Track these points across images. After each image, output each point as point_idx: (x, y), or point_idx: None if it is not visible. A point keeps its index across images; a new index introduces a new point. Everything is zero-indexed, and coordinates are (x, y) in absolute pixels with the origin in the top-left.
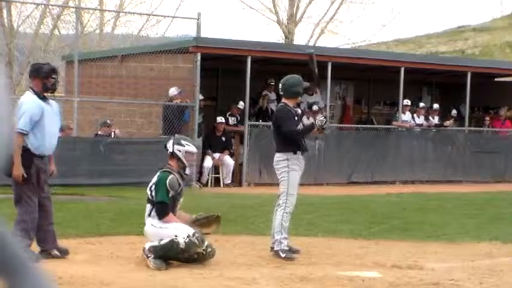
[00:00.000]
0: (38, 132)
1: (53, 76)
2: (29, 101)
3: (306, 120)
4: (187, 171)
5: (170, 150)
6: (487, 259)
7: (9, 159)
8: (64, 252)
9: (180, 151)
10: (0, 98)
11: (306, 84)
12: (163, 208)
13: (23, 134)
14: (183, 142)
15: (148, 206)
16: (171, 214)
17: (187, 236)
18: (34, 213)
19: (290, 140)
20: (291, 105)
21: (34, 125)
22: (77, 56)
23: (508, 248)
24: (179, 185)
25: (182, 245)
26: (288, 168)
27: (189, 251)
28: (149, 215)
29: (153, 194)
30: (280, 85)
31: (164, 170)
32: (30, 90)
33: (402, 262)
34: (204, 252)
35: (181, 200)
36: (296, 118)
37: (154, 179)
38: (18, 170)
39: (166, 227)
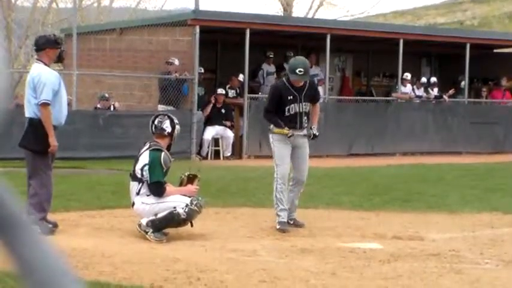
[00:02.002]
0: (56, 103)
1: (62, 45)
2: (46, 72)
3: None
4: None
5: (169, 130)
6: (487, 229)
7: (25, 131)
8: (53, 225)
9: (178, 131)
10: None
11: (297, 77)
12: (160, 187)
13: (48, 105)
14: (177, 121)
15: (135, 184)
16: (167, 188)
17: (186, 206)
18: (49, 186)
19: (280, 117)
20: (294, 83)
21: (54, 95)
22: (75, 29)
23: (509, 219)
24: (170, 160)
25: (183, 215)
26: (272, 140)
27: (190, 219)
28: (138, 193)
29: (145, 173)
30: None
31: (154, 148)
32: (40, 62)
33: (403, 233)
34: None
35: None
36: (289, 97)
37: (146, 159)
38: (54, 141)
39: (159, 201)
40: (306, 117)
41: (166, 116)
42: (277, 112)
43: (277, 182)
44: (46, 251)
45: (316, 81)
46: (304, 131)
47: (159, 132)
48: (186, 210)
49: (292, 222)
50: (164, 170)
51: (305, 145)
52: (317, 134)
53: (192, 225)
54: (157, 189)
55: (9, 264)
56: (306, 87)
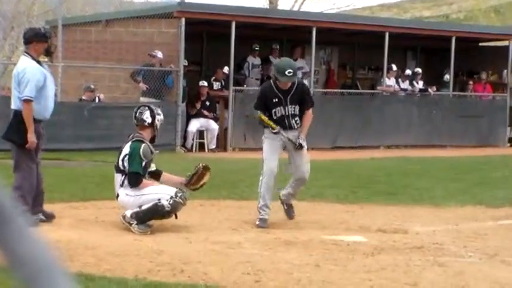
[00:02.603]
0: (40, 98)
1: (53, 39)
2: (31, 67)
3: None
4: (156, 140)
5: (149, 121)
6: (471, 223)
7: (9, 123)
8: (50, 217)
9: (158, 121)
10: None
11: (285, 79)
12: (137, 178)
13: (31, 101)
14: (159, 111)
15: (119, 176)
16: (144, 180)
17: (171, 198)
18: (32, 179)
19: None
20: (280, 85)
21: (38, 91)
22: (60, 20)
23: (492, 212)
24: (152, 152)
25: (168, 207)
26: (264, 136)
27: (175, 211)
28: (121, 185)
29: (125, 164)
30: None
31: (135, 139)
32: (27, 55)
33: (387, 226)
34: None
35: (152, 165)
36: (274, 100)
37: (127, 150)
38: (33, 137)
39: (143, 193)
40: (295, 120)
41: (146, 107)
42: (269, 115)
43: (262, 177)
44: (35, 243)
45: (305, 84)
46: (296, 132)
47: (140, 123)
48: (171, 202)
49: (286, 207)
50: (144, 162)
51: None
52: (303, 144)
53: (176, 217)
54: (134, 180)
55: None
56: (293, 89)
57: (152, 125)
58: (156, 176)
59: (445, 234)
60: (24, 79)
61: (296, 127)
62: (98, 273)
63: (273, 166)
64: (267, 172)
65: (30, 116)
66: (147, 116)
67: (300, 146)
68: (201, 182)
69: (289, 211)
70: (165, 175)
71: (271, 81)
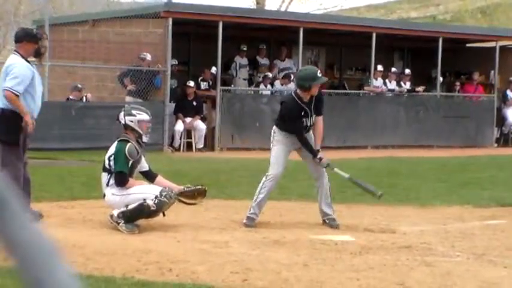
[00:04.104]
0: (28, 96)
1: (44, 41)
2: (20, 64)
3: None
4: (144, 139)
5: (122, 122)
6: (458, 223)
7: None
8: (37, 216)
9: (132, 121)
10: None
11: (323, 79)
12: (122, 177)
13: (13, 94)
14: (133, 112)
15: (105, 175)
16: (130, 180)
17: (156, 197)
18: (19, 178)
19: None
20: (302, 96)
21: (25, 88)
22: (47, 20)
23: (479, 212)
24: (138, 152)
25: (153, 207)
26: (273, 139)
27: (160, 210)
28: (107, 184)
29: (111, 163)
30: None
31: (121, 139)
32: (17, 54)
33: (374, 226)
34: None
35: (140, 165)
36: (302, 112)
37: (113, 150)
38: (28, 119)
39: (129, 192)
40: (310, 126)
41: (123, 108)
42: (293, 122)
43: (266, 179)
44: (32, 230)
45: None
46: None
47: (120, 124)
48: (156, 201)
49: (326, 220)
50: (131, 161)
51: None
52: (328, 163)
53: (164, 215)
54: (119, 179)
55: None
56: (314, 99)
57: (126, 125)
58: (150, 178)
59: (433, 234)
60: (12, 73)
61: (307, 129)
62: (85, 272)
63: (280, 171)
64: (272, 177)
65: (18, 101)
66: (121, 117)
67: (328, 165)
68: (192, 201)
69: (331, 222)
70: (160, 179)
71: (293, 94)
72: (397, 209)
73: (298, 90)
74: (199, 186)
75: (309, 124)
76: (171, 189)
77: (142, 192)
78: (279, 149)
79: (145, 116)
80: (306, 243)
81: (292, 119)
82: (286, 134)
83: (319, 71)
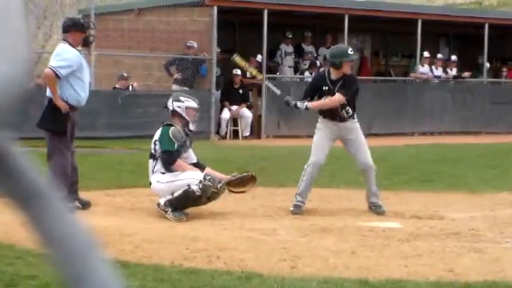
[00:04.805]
0: (76, 85)
1: (91, 30)
2: (70, 50)
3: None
4: (191, 126)
5: (170, 108)
6: (507, 209)
7: (44, 111)
8: (86, 205)
9: (180, 107)
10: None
11: (354, 56)
12: (170, 156)
13: (57, 76)
14: (182, 98)
15: (151, 162)
16: (178, 160)
17: (200, 182)
18: (66, 167)
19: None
20: (332, 73)
21: (72, 76)
22: (93, 9)
23: None
24: (182, 136)
25: (198, 192)
26: (317, 126)
27: (206, 194)
28: (153, 171)
29: (157, 148)
30: None
31: (165, 124)
32: (65, 43)
33: (422, 212)
34: (217, 190)
35: (187, 156)
36: (324, 88)
37: (157, 134)
38: (61, 102)
39: (173, 179)
40: (345, 109)
41: (172, 95)
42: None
43: (307, 166)
44: (71, 224)
45: (353, 76)
46: (347, 124)
47: (169, 111)
48: (200, 186)
49: (372, 207)
50: (176, 143)
51: (353, 132)
52: (292, 103)
53: (213, 199)
54: (166, 158)
55: (37, 241)
56: (344, 80)
57: (174, 111)
58: (199, 169)
59: (481, 220)
60: (61, 56)
61: (346, 116)
62: (134, 260)
63: (320, 158)
64: (312, 163)
65: (54, 84)
66: (169, 104)
67: (286, 103)
68: (241, 189)
69: (376, 208)
70: (208, 170)
71: (326, 70)
72: (445, 196)
73: (330, 68)
74: (245, 173)
75: None
76: (238, 191)
77: (186, 178)
78: (319, 137)
79: (193, 104)
80: (354, 230)
81: (312, 87)
82: (327, 121)
83: (350, 49)
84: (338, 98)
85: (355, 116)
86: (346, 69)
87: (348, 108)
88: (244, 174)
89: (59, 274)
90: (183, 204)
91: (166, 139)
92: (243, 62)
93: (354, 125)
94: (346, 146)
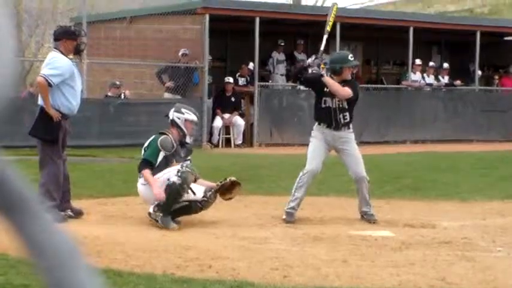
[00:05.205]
0: (67, 93)
1: (83, 38)
2: (62, 58)
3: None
4: (188, 139)
5: (170, 117)
6: (499, 217)
7: (35, 120)
8: (78, 213)
9: (179, 119)
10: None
11: (354, 62)
12: (143, 165)
13: (48, 85)
14: (183, 110)
15: None
16: (148, 172)
17: (178, 171)
18: (58, 176)
19: (316, 108)
20: (334, 78)
21: (64, 84)
22: (85, 17)
23: None
24: (173, 146)
25: (178, 180)
26: (311, 135)
27: (186, 182)
28: (139, 176)
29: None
30: None
31: (159, 132)
32: (57, 51)
33: (414, 221)
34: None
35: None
36: (325, 89)
37: (148, 141)
38: (53, 111)
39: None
40: (343, 114)
41: (175, 106)
42: (316, 103)
43: (301, 173)
44: (55, 232)
45: (355, 81)
46: (342, 133)
47: (168, 121)
48: (179, 174)
49: (364, 216)
50: (161, 153)
51: (348, 143)
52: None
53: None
54: (141, 165)
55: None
56: (344, 83)
57: (173, 122)
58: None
59: (473, 228)
60: (53, 65)
61: (343, 122)
62: (126, 269)
63: (315, 167)
64: (309, 171)
65: (47, 93)
66: (170, 113)
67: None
68: (228, 196)
69: (368, 217)
70: (200, 181)
71: (329, 73)
72: (437, 204)
73: (330, 74)
74: (225, 181)
75: (331, 105)
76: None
77: (164, 173)
78: (314, 145)
79: (192, 117)
80: (346, 239)
81: (315, 74)
82: (323, 129)
83: (351, 55)
84: (347, 91)
85: (351, 126)
86: (346, 75)
87: (346, 113)
88: (223, 182)
89: (43, 282)
90: (171, 202)
91: (152, 148)
92: None
93: (349, 135)
94: (340, 155)
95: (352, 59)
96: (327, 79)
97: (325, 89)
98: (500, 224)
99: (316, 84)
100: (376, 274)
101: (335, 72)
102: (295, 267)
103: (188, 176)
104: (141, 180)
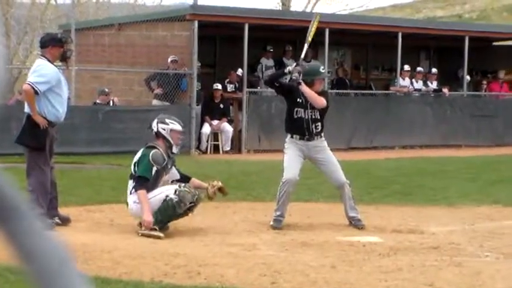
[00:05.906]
0: (54, 100)
1: (69, 44)
2: (48, 65)
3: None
4: (175, 149)
5: (154, 129)
6: (487, 222)
7: (22, 127)
8: (65, 220)
9: (164, 129)
10: None
11: (325, 75)
12: (141, 182)
13: (35, 92)
14: (167, 121)
15: (131, 183)
16: (144, 192)
17: (176, 190)
18: (46, 183)
19: (288, 120)
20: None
21: (51, 92)
22: (73, 25)
23: (509, 211)
24: (164, 159)
25: (176, 199)
26: (286, 143)
27: (184, 201)
28: (131, 192)
29: (136, 169)
30: None
31: (148, 145)
32: (43, 58)
33: (403, 226)
34: (195, 201)
35: (170, 175)
36: (298, 100)
37: (138, 155)
38: (39, 118)
39: (149, 197)
40: (315, 125)
41: (157, 117)
42: (288, 114)
43: (281, 183)
44: (46, 240)
45: (326, 91)
46: (315, 142)
47: (152, 133)
48: (177, 193)
49: (352, 222)
50: (154, 168)
51: (322, 151)
52: (290, 70)
53: (191, 211)
54: (138, 183)
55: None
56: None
57: (157, 134)
58: (185, 182)
59: (461, 234)
60: (39, 72)
61: (315, 132)
62: (114, 277)
63: (292, 175)
64: (288, 181)
65: (33, 100)
66: (154, 125)
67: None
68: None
69: (355, 222)
70: (194, 180)
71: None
72: (425, 210)
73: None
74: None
75: (304, 116)
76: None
77: (160, 192)
78: (290, 154)
79: (177, 127)
80: (334, 245)
81: (288, 87)
82: (295, 141)
83: (322, 67)
84: (323, 100)
85: (323, 134)
86: (317, 87)
87: (318, 124)
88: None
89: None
90: (165, 216)
91: (145, 163)
92: None
93: (322, 144)
94: (316, 165)
95: (324, 70)
96: (305, 88)
97: (298, 100)
98: (488, 229)
99: (291, 93)
100: (365, 280)
101: (307, 84)
102: (283, 273)
103: (186, 196)
104: (133, 198)
